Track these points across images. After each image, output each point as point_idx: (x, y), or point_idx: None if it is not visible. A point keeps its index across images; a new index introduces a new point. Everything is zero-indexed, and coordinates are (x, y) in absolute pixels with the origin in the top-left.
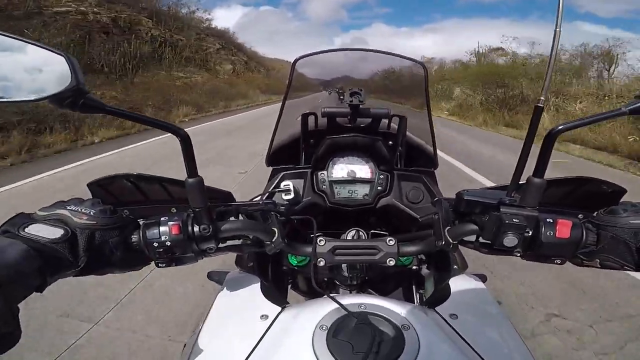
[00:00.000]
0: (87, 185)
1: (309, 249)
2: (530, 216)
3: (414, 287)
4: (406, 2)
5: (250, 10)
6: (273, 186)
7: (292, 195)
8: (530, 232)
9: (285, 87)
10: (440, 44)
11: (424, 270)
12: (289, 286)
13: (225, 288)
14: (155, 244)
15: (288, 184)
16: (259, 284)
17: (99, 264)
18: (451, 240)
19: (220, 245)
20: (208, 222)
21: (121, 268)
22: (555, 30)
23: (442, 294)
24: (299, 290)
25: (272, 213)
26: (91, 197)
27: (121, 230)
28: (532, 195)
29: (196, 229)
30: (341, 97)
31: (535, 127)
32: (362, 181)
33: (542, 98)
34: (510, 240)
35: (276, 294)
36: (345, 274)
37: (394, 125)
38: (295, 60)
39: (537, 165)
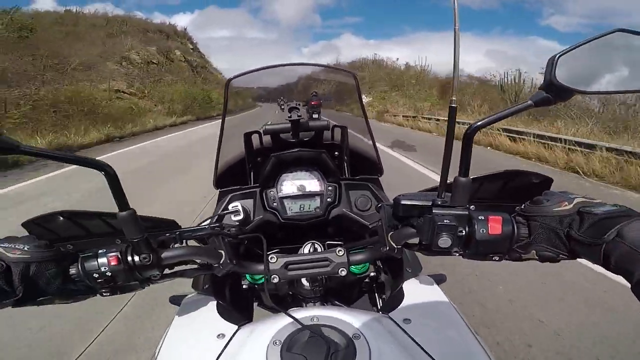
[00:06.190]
0: (22, 224)
1: (262, 267)
2: (460, 215)
3: (376, 294)
4: (374, 13)
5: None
6: (222, 208)
7: (241, 216)
8: (464, 232)
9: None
10: (409, 56)
11: (383, 276)
12: (256, 303)
13: (181, 311)
14: (96, 275)
15: (236, 205)
16: (215, 304)
17: (37, 294)
18: (395, 245)
19: (167, 271)
20: (148, 251)
21: (64, 298)
22: (455, 29)
23: (396, 298)
24: (265, 306)
25: (219, 236)
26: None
27: (58, 263)
28: (460, 194)
29: (136, 258)
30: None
31: (453, 126)
32: (312, 194)
33: (453, 98)
34: (444, 241)
35: (234, 313)
36: (308, 287)
37: (338, 136)
38: (229, 81)
39: (461, 165)
